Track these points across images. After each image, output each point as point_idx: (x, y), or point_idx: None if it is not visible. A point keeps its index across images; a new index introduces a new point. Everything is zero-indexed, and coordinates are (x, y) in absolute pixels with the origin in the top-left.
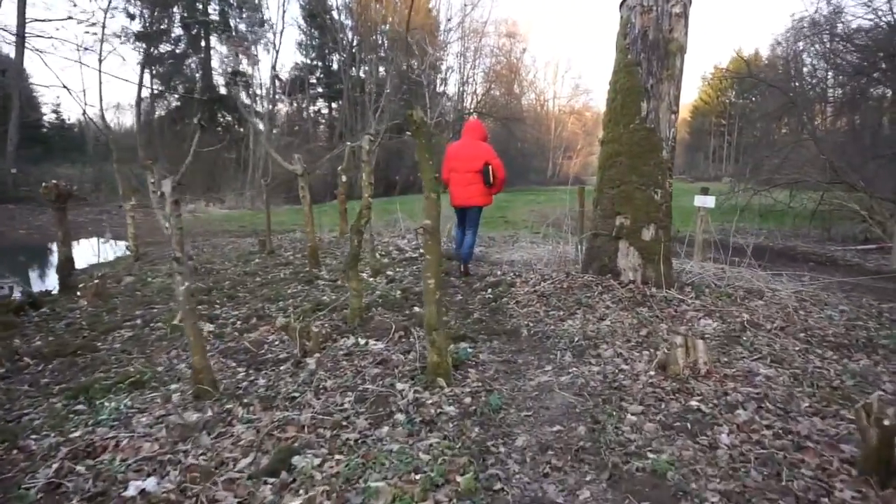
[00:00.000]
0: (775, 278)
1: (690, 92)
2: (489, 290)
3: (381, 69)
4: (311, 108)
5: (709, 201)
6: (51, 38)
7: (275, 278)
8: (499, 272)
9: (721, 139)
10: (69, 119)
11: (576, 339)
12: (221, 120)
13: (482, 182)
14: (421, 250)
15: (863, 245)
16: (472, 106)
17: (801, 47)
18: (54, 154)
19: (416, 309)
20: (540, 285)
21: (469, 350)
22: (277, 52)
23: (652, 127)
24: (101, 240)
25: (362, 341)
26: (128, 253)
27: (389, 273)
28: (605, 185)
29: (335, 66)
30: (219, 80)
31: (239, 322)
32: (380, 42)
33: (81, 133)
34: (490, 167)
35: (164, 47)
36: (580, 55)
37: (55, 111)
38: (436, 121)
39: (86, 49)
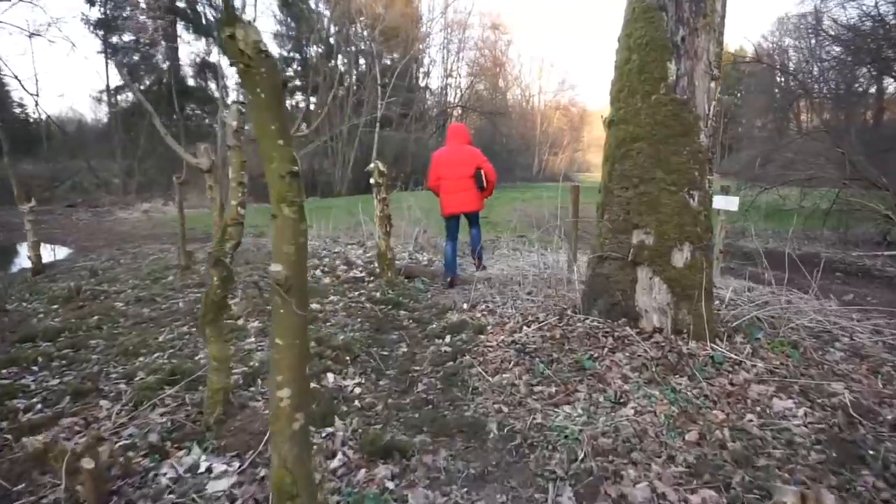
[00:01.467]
0: (824, 302)
1: None
2: (448, 338)
3: (362, 61)
4: (288, 101)
5: (731, 203)
6: None
7: (168, 310)
8: (464, 305)
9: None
10: (36, 113)
11: (579, 453)
12: (190, 113)
13: (476, 187)
14: (376, 265)
15: (888, 250)
16: (456, 100)
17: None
18: (17, 149)
19: (331, 378)
20: (521, 332)
21: (389, 485)
22: None
23: (685, 98)
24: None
25: (204, 464)
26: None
27: (315, 306)
28: (615, 185)
29: (313, 58)
30: (187, 70)
31: (41, 403)
32: (359, 32)
33: (49, 127)
34: (483, 171)
35: (128, 36)
36: (566, 50)
37: (20, 104)
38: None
39: (36, 35)
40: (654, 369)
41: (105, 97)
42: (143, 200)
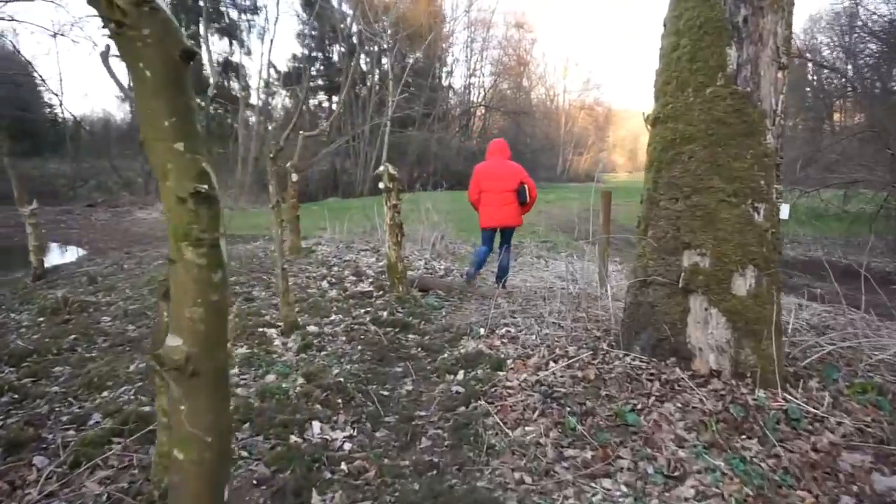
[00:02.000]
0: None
1: None
2: (461, 373)
3: (384, 60)
4: (311, 101)
5: (783, 211)
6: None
7: (154, 329)
8: (480, 330)
9: None
10: (62, 113)
11: None
12: (212, 112)
13: (517, 202)
14: (386, 279)
15: None
16: (480, 99)
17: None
18: (45, 149)
19: (316, 429)
20: (547, 369)
21: None
22: (272, 41)
23: (747, 91)
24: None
25: None
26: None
27: (313, 328)
28: (661, 195)
29: (336, 58)
30: (209, 69)
31: None
32: (382, 30)
33: (77, 127)
34: (526, 186)
35: None
36: (591, 48)
37: (48, 104)
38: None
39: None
40: (714, 427)
41: (125, 96)
42: (159, 202)
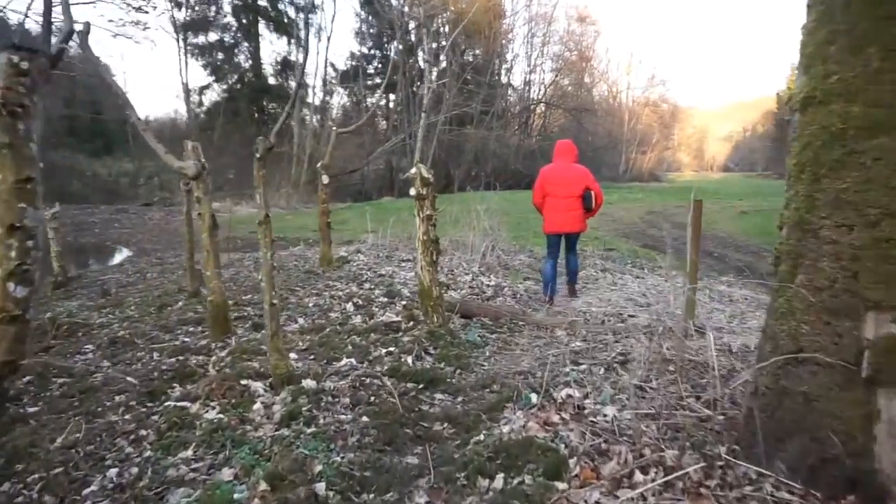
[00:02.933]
0: None
1: (779, 80)
2: (499, 478)
3: (442, 58)
4: (369, 99)
5: None
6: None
7: (128, 370)
8: (532, 395)
9: None
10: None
11: None
12: (271, 111)
13: (582, 207)
14: (419, 310)
15: None
16: (540, 96)
17: None
18: (116, 148)
19: None
20: (632, 487)
21: None
22: (329, 38)
23: None
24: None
25: None
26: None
27: (310, 383)
28: (822, 219)
29: (393, 55)
30: (268, 69)
31: None
32: (440, 29)
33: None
34: (592, 193)
35: (213, 35)
36: (656, 43)
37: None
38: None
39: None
40: None
41: (184, 96)
42: (217, 199)
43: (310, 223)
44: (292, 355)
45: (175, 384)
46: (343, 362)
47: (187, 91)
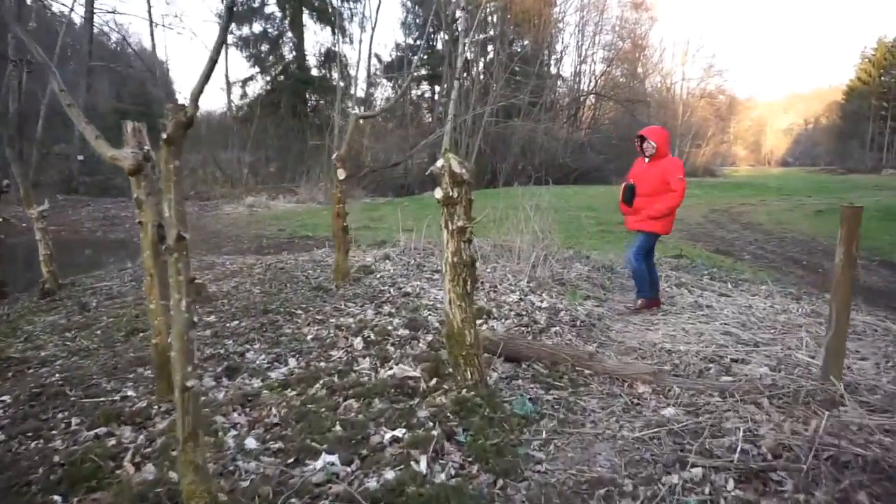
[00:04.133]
0: None
1: (846, 71)
2: None
3: (490, 48)
4: (414, 91)
5: None
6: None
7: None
8: (621, 490)
9: (882, 124)
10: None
11: None
12: (313, 103)
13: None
14: (445, 361)
15: None
16: (590, 87)
17: None
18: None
19: None
20: None
21: None
22: (374, 28)
23: None
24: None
25: None
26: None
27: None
28: None
29: (440, 46)
30: (311, 60)
31: None
32: (488, 18)
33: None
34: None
35: (257, 27)
36: (714, 32)
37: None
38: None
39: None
40: None
41: (226, 89)
42: (252, 193)
43: (349, 220)
44: (250, 442)
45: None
46: (319, 464)
47: (228, 82)
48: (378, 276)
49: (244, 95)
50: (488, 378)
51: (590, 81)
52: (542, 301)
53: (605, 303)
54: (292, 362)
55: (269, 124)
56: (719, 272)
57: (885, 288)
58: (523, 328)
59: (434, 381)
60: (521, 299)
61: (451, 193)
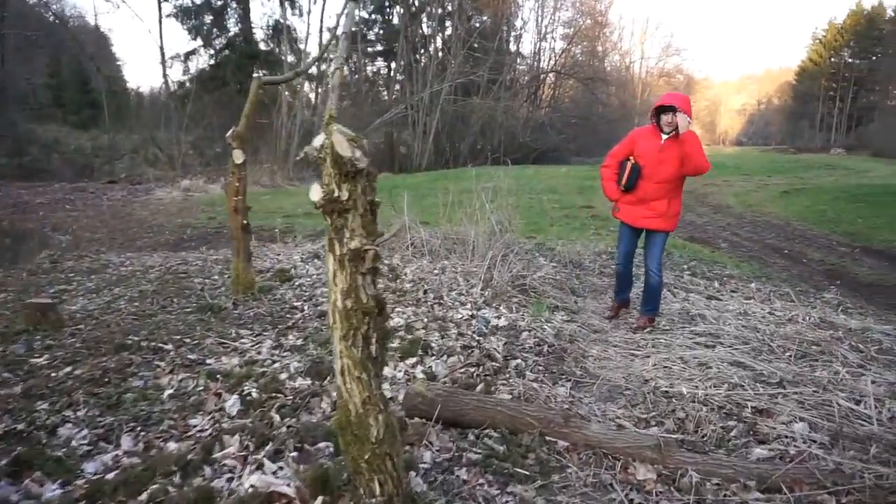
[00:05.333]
0: None
1: (797, 52)
2: None
3: (448, 23)
4: (370, 68)
5: None
6: None
7: None
8: None
9: (832, 105)
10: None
11: None
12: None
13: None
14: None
15: None
16: (550, 66)
17: None
18: (102, 119)
19: None
20: None
21: None
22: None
23: None
24: None
25: None
26: None
27: None
28: None
29: (396, 21)
30: (259, 33)
31: None
32: None
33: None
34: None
35: None
36: (672, 10)
37: (112, 75)
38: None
39: None
40: None
41: (162, 63)
42: (189, 176)
43: (289, 205)
44: None
45: None
46: None
47: (163, 57)
48: (296, 283)
49: (186, 70)
50: (413, 477)
51: (550, 59)
52: (499, 317)
53: (576, 315)
54: (126, 442)
55: (211, 102)
56: (700, 266)
57: (880, 280)
58: (473, 368)
59: (320, 500)
60: (472, 315)
61: (336, 193)
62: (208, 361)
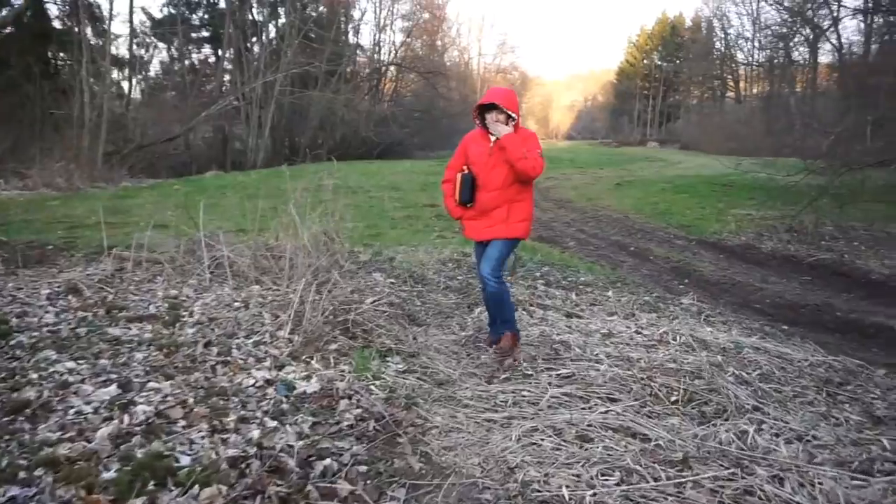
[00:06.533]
0: None
1: (617, 54)
2: None
3: (281, 10)
4: (194, 55)
5: None
6: None
7: None
8: None
9: (646, 102)
10: None
11: None
12: (59, 64)
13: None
14: None
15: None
16: (391, 58)
17: None
18: None
19: None
20: None
21: None
22: None
23: None
24: None
25: None
26: None
27: None
28: None
29: (223, 4)
30: (53, 9)
31: None
32: None
33: None
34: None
35: None
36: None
37: None
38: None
39: None
40: None
41: None
42: None
43: (80, 212)
44: None
45: None
46: None
47: None
48: (11, 342)
49: None
50: None
51: (390, 52)
52: (308, 377)
53: (416, 358)
54: None
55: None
56: (553, 272)
57: (723, 277)
58: (245, 497)
59: None
60: (270, 380)
61: None
62: None
